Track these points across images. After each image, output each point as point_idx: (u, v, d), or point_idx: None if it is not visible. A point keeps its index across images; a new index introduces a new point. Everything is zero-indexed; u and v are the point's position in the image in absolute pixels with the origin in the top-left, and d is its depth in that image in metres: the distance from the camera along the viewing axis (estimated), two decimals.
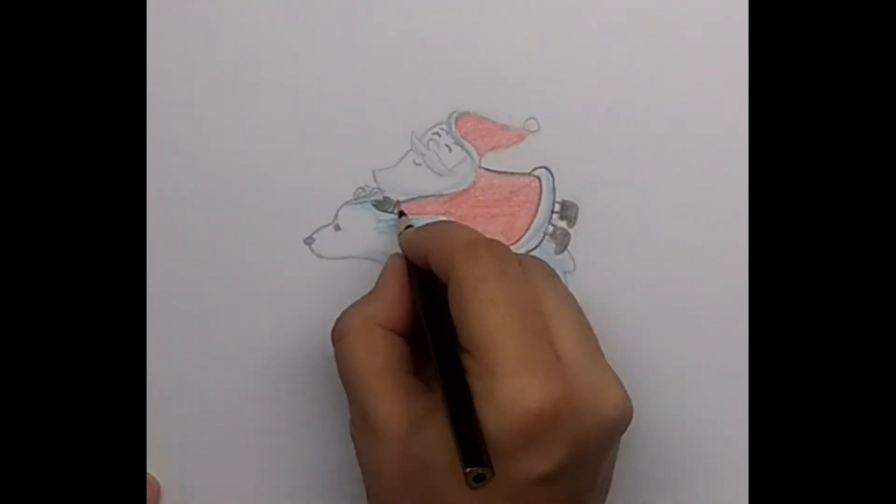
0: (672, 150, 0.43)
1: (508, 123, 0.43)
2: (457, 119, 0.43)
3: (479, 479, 0.34)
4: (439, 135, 0.43)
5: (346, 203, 0.43)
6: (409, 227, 0.42)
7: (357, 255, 0.43)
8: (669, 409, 0.44)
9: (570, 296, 0.39)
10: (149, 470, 0.44)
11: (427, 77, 0.43)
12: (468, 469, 0.34)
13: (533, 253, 0.43)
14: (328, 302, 0.43)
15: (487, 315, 0.36)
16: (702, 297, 0.43)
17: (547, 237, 0.43)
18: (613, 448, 0.39)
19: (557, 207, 0.43)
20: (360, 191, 0.43)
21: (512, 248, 0.43)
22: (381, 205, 0.43)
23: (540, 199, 0.43)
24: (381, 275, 0.41)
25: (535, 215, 0.43)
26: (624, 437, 0.41)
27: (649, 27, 0.42)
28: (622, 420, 0.37)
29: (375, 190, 0.43)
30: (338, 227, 0.43)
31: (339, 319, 0.40)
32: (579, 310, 0.39)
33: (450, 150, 0.43)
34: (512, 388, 0.35)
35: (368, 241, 0.43)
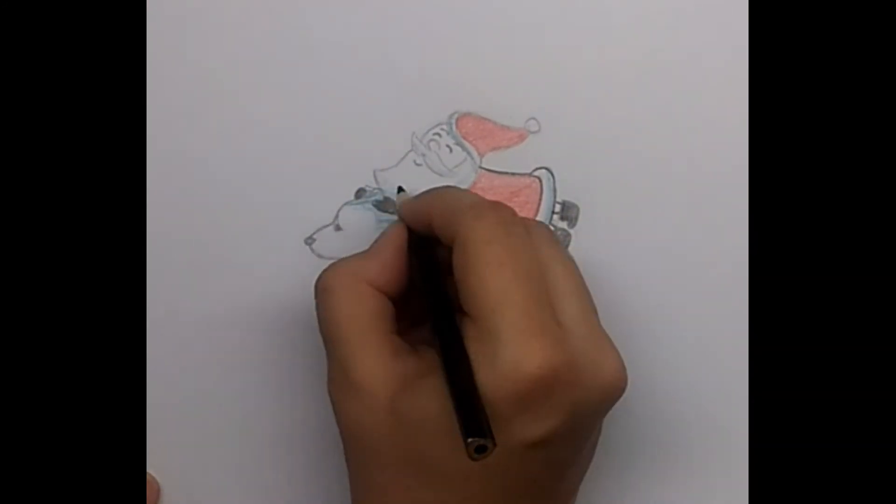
0: (672, 150, 0.43)
1: (509, 124, 0.43)
2: (457, 119, 0.43)
3: (480, 449, 0.33)
4: (440, 135, 0.43)
5: (346, 203, 0.43)
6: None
7: None
8: (671, 407, 0.44)
9: (573, 262, 0.39)
10: (149, 470, 0.44)
11: (428, 77, 0.43)
12: (470, 440, 0.33)
13: None
14: None
15: (492, 278, 0.36)
16: (702, 297, 0.43)
17: None
18: (602, 418, 0.39)
19: (558, 208, 0.43)
20: (360, 191, 0.43)
21: None
22: (382, 205, 0.43)
23: (540, 200, 0.43)
24: (379, 238, 0.40)
25: (535, 216, 0.43)
26: (627, 430, 0.41)
27: (649, 28, 0.42)
28: (619, 388, 0.37)
29: (376, 190, 0.43)
30: (338, 228, 0.43)
31: (325, 272, 0.39)
32: (581, 277, 0.39)
33: (450, 150, 0.43)
34: (515, 353, 0.35)
35: (369, 241, 0.43)
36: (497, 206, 0.38)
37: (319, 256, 0.43)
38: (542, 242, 0.38)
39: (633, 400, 0.43)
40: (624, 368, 0.37)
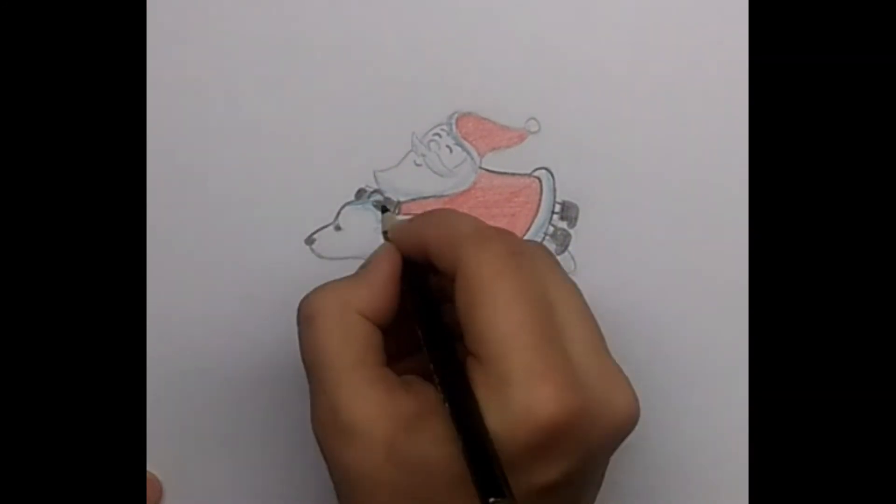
0: (672, 150, 0.43)
1: (509, 124, 0.43)
2: (457, 119, 0.43)
3: None
4: (440, 135, 0.43)
5: (347, 203, 0.43)
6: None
7: (358, 255, 0.43)
8: (670, 407, 0.44)
9: (574, 285, 0.36)
10: (149, 469, 0.44)
11: (428, 78, 0.43)
12: (491, 501, 0.32)
13: None
14: None
15: (503, 318, 0.33)
16: (702, 297, 0.43)
17: (547, 238, 0.43)
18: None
19: (558, 208, 0.43)
20: (361, 191, 0.43)
21: None
22: (381, 205, 0.43)
23: (540, 200, 0.43)
24: (370, 261, 0.37)
25: (535, 216, 0.43)
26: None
27: (649, 27, 0.42)
28: (631, 423, 0.36)
29: (376, 191, 0.43)
30: (339, 228, 0.43)
31: (309, 297, 0.36)
32: (584, 301, 0.36)
33: (450, 150, 0.43)
34: (528, 399, 0.33)
35: (369, 241, 0.43)
36: (501, 233, 0.36)
37: (319, 256, 0.43)
38: (545, 269, 0.36)
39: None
40: (636, 401, 0.36)
